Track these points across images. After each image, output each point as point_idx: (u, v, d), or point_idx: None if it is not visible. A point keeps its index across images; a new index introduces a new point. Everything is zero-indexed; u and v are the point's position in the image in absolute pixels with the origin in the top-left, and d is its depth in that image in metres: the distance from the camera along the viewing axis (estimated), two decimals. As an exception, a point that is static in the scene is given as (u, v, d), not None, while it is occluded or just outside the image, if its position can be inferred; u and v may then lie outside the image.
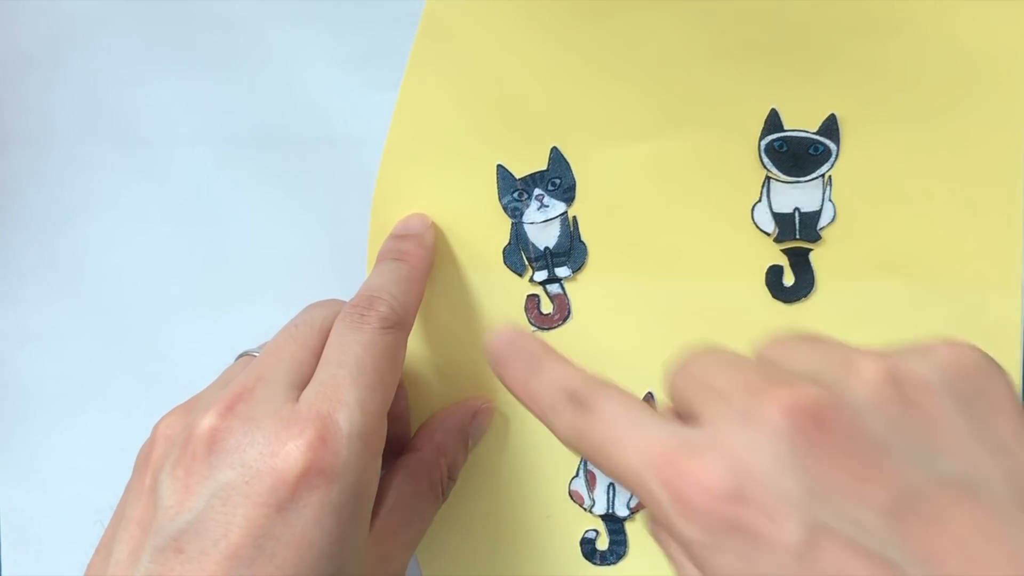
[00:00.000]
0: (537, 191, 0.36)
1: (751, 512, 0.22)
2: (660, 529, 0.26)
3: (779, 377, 0.24)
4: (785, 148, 0.34)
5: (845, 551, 0.21)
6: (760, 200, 0.35)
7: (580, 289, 0.36)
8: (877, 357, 0.24)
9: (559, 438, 0.27)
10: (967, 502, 0.21)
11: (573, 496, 0.37)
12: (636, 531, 0.37)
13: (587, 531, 0.37)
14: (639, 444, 0.24)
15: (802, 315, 0.35)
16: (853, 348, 0.25)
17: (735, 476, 0.22)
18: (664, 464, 0.23)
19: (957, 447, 0.23)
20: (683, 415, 0.26)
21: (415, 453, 0.35)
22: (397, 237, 0.35)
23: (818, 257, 0.35)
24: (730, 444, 0.23)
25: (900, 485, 0.22)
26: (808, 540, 0.21)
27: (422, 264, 0.35)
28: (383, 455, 0.30)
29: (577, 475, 0.37)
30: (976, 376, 0.24)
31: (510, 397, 0.36)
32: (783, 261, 0.35)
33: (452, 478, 0.36)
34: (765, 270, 0.35)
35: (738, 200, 0.35)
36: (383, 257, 0.35)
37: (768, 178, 0.35)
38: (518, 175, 0.36)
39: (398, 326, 0.31)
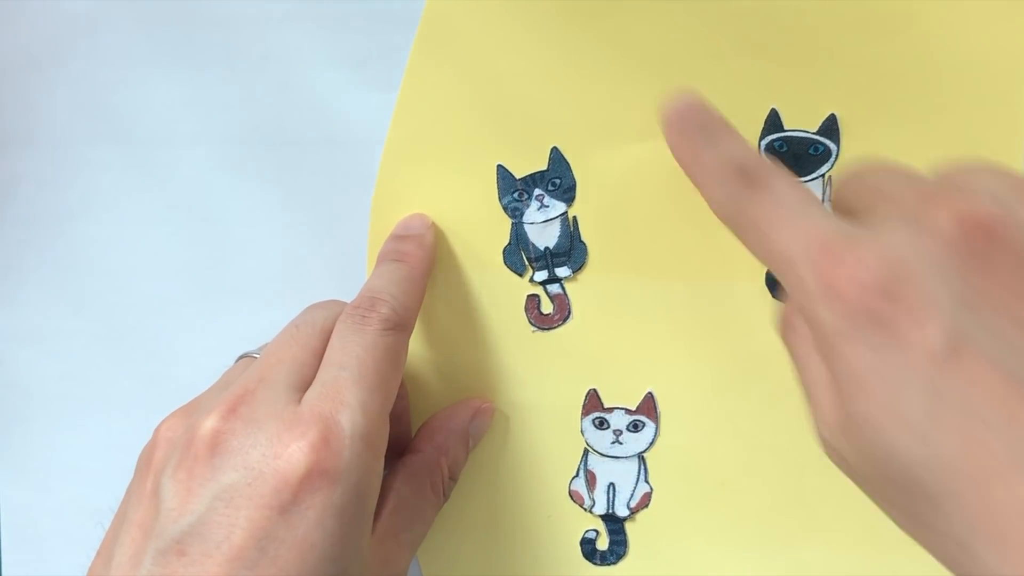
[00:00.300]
0: (537, 191, 0.36)
1: (899, 310, 0.22)
2: (792, 322, 0.26)
3: (956, 189, 0.23)
4: (785, 148, 0.34)
5: (984, 366, 0.21)
6: (760, 200, 0.35)
7: (580, 289, 0.36)
8: None
9: (715, 210, 0.27)
10: None
11: (573, 496, 0.37)
12: (636, 531, 0.37)
13: (587, 531, 0.37)
14: (800, 227, 0.24)
15: (802, 315, 0.35)
16: None
17: (890, 272, 0.22)
18: (821, 249, 0.23)
19: None
20: (846, 218, 0.25)
21: (416, 454, 0.35)
22: (398, 238, 0.35)
23: (818, 257, 0.35)
24: (893, 241, 0.23)
25: None
26: (949, 348, 0.21)
27: (423, 265, 0.35)
28: (384, 456, 0.30)
29: (577, 475, 0.37)
30: None
31: (510, 396, 0.37)
32: (783, 261, 0.35)
33: (453, 478, 0.36)
34: (765, 270, 0.35)
35: (738, 200, 0.35)
36: (384, 258, 0.35)
37: (768, 178, 0.35)
38: (518, 175, 0.36)
39: (400, 327, 0.31)
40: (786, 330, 0.27)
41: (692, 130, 0.29)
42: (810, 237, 0.24)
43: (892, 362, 0.22)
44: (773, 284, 0.35)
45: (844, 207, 0.26)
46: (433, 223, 0.36)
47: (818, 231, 0.24)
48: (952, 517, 0.21)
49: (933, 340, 0.21)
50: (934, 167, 0.26)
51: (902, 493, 0.22)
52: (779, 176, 0.26)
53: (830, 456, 0.25)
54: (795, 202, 0.25)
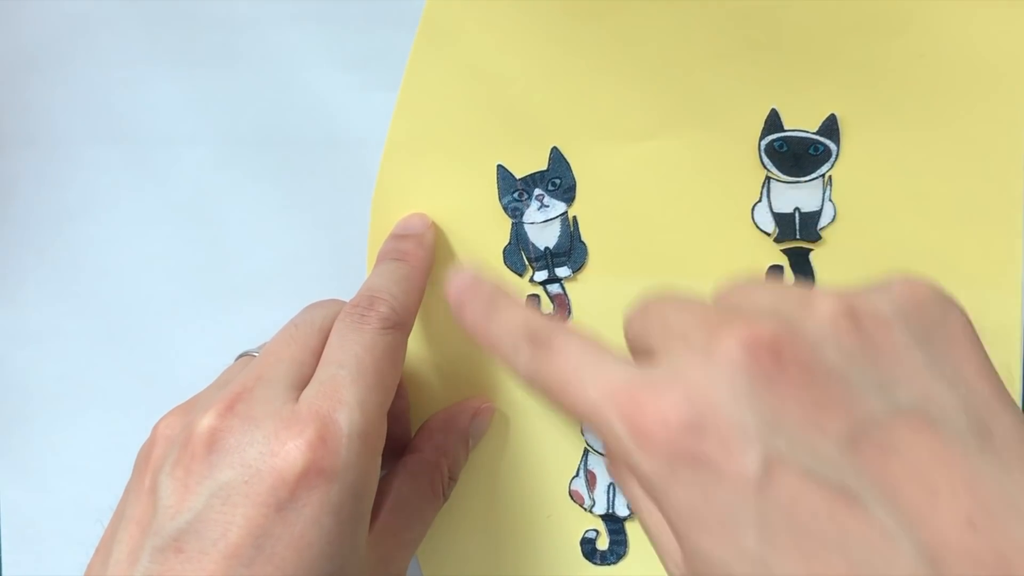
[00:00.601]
0: (537, 191, 0.36)
1: (709, 443, 0.22)
2: (621, 469, 0.26)
3: (737, 313, 0.24)
4: (785, 148, 0.34)
5: (802, 481, 0.21)
6: (760, 200, 0.35)
7: (580, 289, 0.36)
8: (834, 293, 0.24)
9: (520, 379, 0.27)
10: (924, 431, 0.22)
11: (573, 496, 0.37)
12: (636, 531, 0.37)
13: (587, 531, 0.37)
14: (598, 380, 0.25)
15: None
16: (810, 287, 0.25)
17: (693, 408, 0.22)
18: (623, 398, 0.23)
19: (914, 378, 0.23)
20: (641, 357, 0.26)
21: (416, 454, 0.35)
22: (398, 237, 0.35)
23: (818, 257, 0.35)
24: (689, 378, 0.23)
25: (857, 415, 0.22)
26: (765, 471, 0.21)
27: (422, 264, 0.35)
28: (383, 455, 0.30)
29: (577, 475, 0.37)
30: (933, 309, 0.24)
31: (510, 396, 0.37)
32: (783, 261, 0.35)
33: (453, 478, 0.36)
34: (765, 270, 0.35)
35: (738, 200, 0.35)
36: (383, 257, 0.35)
37: (768, 178, 0.35)
38: (518, 175, 0.36)
39: (398, 326, 0.31)
40: (617, 476, 0.27)
41: (473, 305, 0.29)
42: (610, 389, 0.24)
43: (715, 497, 0.22)
44: (773, 284, 0.35)
45: (637, 347, 0.27)
46: (433, 223, 0.36)
47: (616, 382, 0.24)
48: None
49: (748, 466, 0.21)
50: (714, 289, 0.26)
51: None
52: (566, 334, 0.27)
53: None
54: (587, 357, 0.25)
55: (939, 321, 0.24)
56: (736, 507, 0.21)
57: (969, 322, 0.24)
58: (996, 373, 0.23)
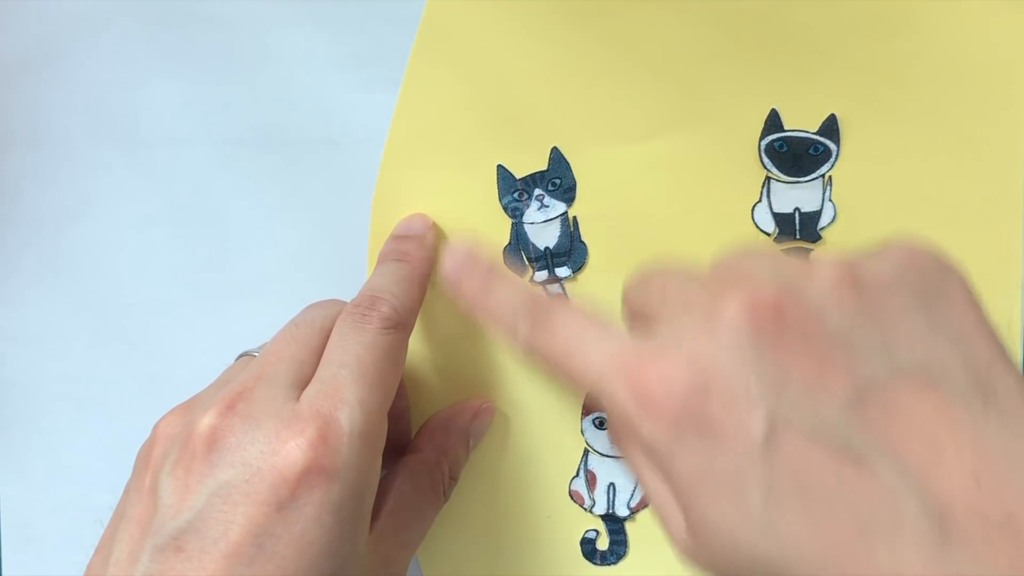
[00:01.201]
0: (537, 191, 0.36)
1: (713, 407, 0.22)
2: (624, 439, 0.26)
3: (737, 279, 0.24)
4: (785, 148, 0.34)
5: (807, 442, 0.21)
6: (760, 200, 0.35)
7: (580, 289, 0.36)
8: (834, 259, 0.24)
9: (520, 353, 0.27)
10: (928, 391, 0.22)
11: (573, 496, 0.37)
12: (636, 531, 0.37)
13: (587, 531, 0.37)
14: (600, 349, 0.25)
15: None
16: (809, 255, 0.25)
17: (697, 372, 0.22)
18: (626, 366, 0.24)
19: (916, 339, 0.23)
20: (641, 325, 0.26)
21: (416, 454, 0.35)
22: (399, 238, 0.35)
23: (818, 257, 0.35)
24: (691, 343, 0.23)
25: (861, 376, 0.22)
26: (770, 433, 0.21)
27: (424, 265, 0.35)
28: (383, 454, 0.30)
29: (577, 475, 0.37)
30: (932, 272, 0.24)
31: (511, 396, 0.37)
32: (783, 261, 0.35)
33: (454, 478, 0.36)
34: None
35: (738, 200, 0.35)
36: (385, 258, 0.35)
37: (768, 178, 0.35)
38: (518, 175, 0.36)
39: (400, 326, 0.31)
40: (621, 446, 0.27)
41: (470, 281, 0.30)
42: (612, 356, 0.24)
43: (720, 460, 0.22)
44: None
45: (637, 317, 0.27)
46: (434, 224, 0.36)
47: (618, 349, 0.24)
48: None
49: (753, 429, 0.22)
50: (712, 257, 0.26)
51: None
52: (565, 306, 0.27)
53: (695, 569, 0.25)
54: (587, 328, 0.26)
55: (939, 284, 0.24)
56: (742, 470, 0.22)
57: (969, 285, 0.24)
58: (997, 334, 0.24)
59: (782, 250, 0.26)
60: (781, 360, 0.22)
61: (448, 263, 0.31)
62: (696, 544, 0.23)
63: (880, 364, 0.22)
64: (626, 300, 0.27)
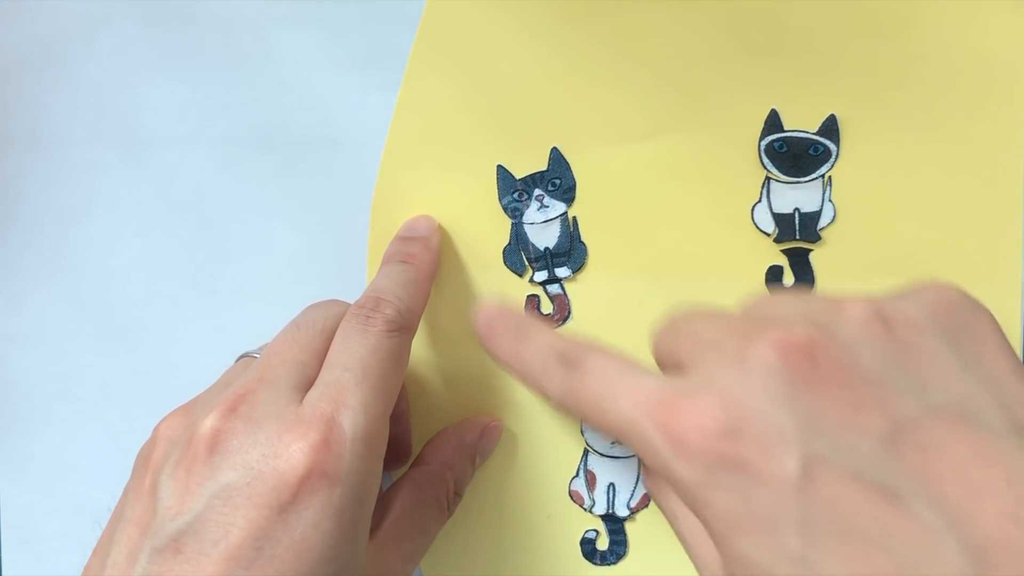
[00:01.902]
0: (537, 191, 0.36)
1: (747, 447, 0.22)
2: (657, 480, 0.26)
3: (768, 320, 0.24)
4: (785, 148, 0.34)
5: (843, 481, 0.21)
6: (760, 200, 0.35)
7: (580, 289, 0.36)
8: (864, 300, 0.24)
9: (552, 400, 0.28)
10: (962, 429, 0.22)
11: (573, 496, 0.37)
12: (636, 531, 0.37)
13: (587, 531, 0.37)
14: (632, 394, 0.25)
15: (802, 315, 0.35)
16: (839, 295, 0.25)
17: (730, 414, 0.22)
18: (658, 409, 0.24)
19: (948, 379, 0.23)
20: (672, 370, 0.26)
21: (422, 467, 0.35)
22: (404, 239, 0.35)
23: (818, 257, 0.35)
24: (723, 384, 0.23)
25: (894, 414, 0.22)
26: (805, 472, 0.21)
27: (428, 267, 0.34)
28: (383, 459, 0.30)
29: (577, 475, 0.37)
30: (962, 313, 0.24)
31: (511, 398, 0.37)
32: (783, 261, 0.35)
33: (459, 494, 0.35)
34: (765, 270, 0.35)
35: (738, 200, 0.35)
36: (389, 259, 0.34)
37: (768, 178, 0.35)
38: (518, 175, 0.36)
39: (404, 329, 0.31)
40: (655, 489, 0.27)
41: (504, 332, 0.31)
42: (644, 400, 0.24)
43: (756, 499, 0.22)
44: (772, 283, 0.35)
45: (667, 361, 0.27)
46: (439, 226, 0.36)
47: (650, 392, 0.24)
48: None
49: (788, 468, 0.22)
50: (740, 303, 0.27)
51: None
52: (596, 352, 0.27)
53: None
54: (619, 373, 0.26)
55: (968, 324, 0.24)
56: (777, 509, 0.22)
57: (997, 324, 0.24)
58: None
59: (808, 294, 0.26)
60: (815, 399, 0.22)
61: (481, 317, 0.31)
62: None
63: (913, 402, 0.22)
64: (656, 345, 0.28)
